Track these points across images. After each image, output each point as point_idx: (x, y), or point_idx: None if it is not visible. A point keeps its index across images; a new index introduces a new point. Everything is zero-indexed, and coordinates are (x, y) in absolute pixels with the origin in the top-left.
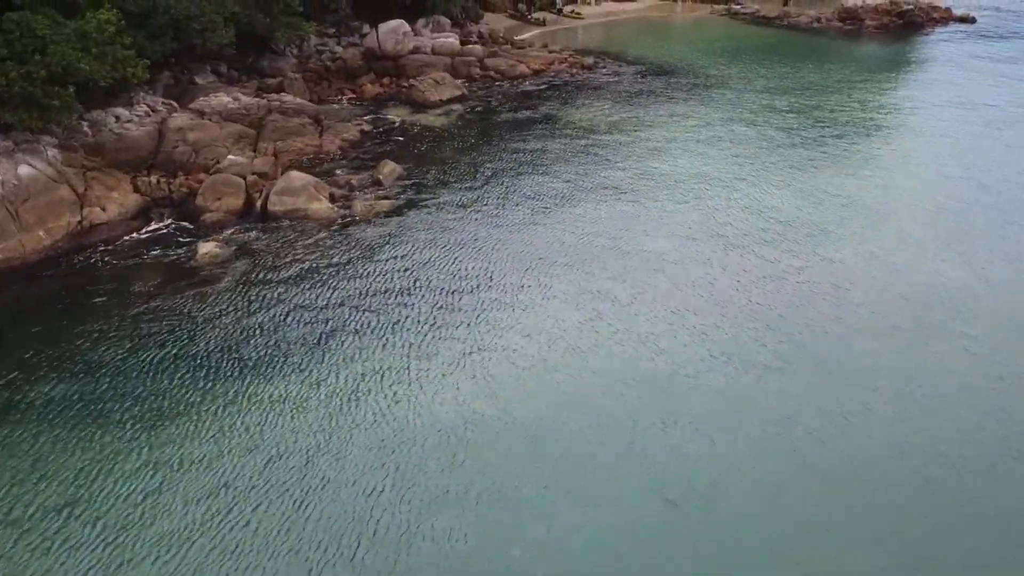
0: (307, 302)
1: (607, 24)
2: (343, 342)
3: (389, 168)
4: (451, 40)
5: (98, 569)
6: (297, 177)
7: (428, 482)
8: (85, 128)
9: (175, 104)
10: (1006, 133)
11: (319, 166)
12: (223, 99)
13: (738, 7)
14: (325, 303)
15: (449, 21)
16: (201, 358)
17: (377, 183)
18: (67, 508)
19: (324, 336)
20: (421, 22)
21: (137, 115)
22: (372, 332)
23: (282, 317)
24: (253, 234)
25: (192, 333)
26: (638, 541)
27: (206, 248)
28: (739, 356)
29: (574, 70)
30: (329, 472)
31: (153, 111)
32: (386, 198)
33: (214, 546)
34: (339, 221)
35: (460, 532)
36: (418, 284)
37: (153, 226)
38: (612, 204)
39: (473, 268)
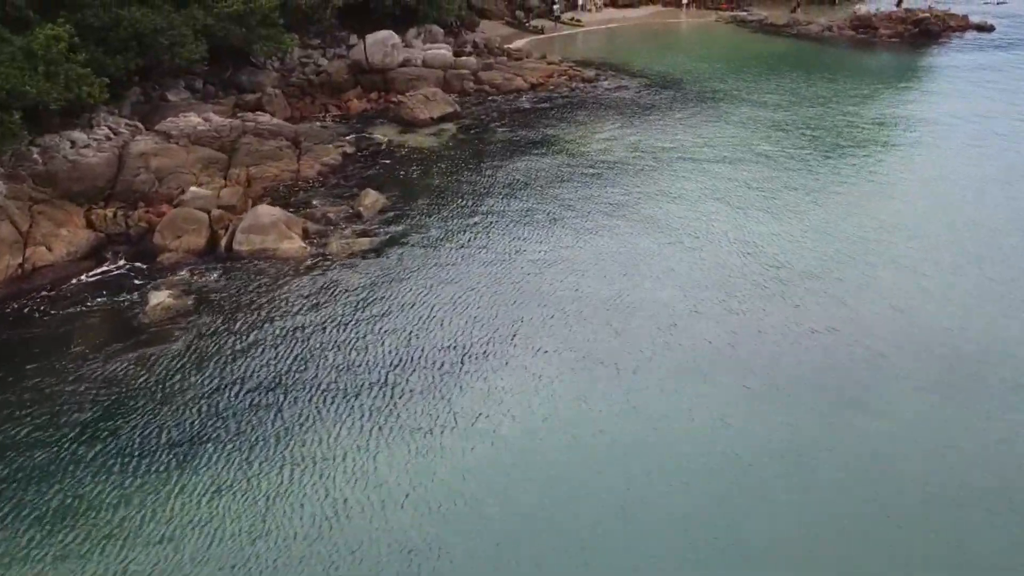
0: (259, 371)
1: (608, 32)
2: (293, 425)
3: (371, 199)
4: (443, 52)
5: None
6: (266, 212)
7: None
8: (35, 155)
9: (140, 126)
10: None
11: (295, 195)
12: (192, 120)
13: (744, 14)
14: (281, 372)
15: (442, 31)
16: (125, 443)
17: (357, 216)
18: None
19: (271, 417)
20: (412, 32)
21: (96, 139)
22: (330, 408)
23: (229, 389)
24: (213, 278)
25: (122, 410)
26: None
27: (158, 298)
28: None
29: (574, 84)
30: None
31: (115, 134)
32: (366, 235)
33: None
34: (311, 263)
35: None
36: (393, 349)
37: (104, 268)
38: (615, 247)
39: (455, 329)
